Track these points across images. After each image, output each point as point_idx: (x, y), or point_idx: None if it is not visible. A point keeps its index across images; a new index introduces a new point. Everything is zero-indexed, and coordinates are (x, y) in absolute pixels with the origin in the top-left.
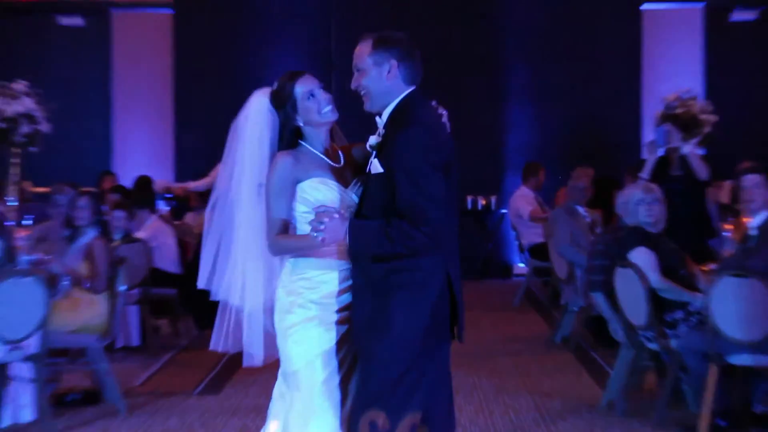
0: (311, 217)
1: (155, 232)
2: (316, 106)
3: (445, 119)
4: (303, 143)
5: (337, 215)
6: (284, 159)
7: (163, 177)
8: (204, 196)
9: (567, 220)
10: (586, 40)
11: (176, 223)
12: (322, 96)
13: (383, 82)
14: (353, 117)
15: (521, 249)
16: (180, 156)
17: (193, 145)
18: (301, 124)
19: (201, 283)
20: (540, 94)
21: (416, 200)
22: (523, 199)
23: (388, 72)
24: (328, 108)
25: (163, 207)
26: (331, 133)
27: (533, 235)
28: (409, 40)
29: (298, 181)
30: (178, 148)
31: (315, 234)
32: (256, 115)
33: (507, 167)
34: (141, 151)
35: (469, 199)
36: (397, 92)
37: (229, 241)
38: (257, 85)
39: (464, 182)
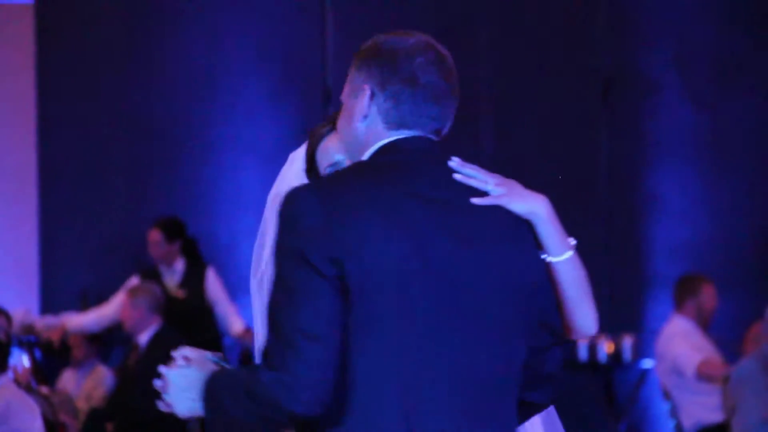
0: None
1: (6, 404)
2: None
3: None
4: None
5: None
6: None
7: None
8: (95, 341)
9: (764, 380)
10: None
11: (43, 389)
12: None
13: (352, 124)
14: None
15: None
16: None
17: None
18: None
19: None
20: (707, 148)
21: (273, 325)
22: (681, 341)
23: (360, 106)
24: None
25: (20, 359)
26: None
27: (703, 407)
28: (416, 46)
29: None
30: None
31: None
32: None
33: (653, 283)
34: None
35: (582, 343)
36: (372, 142)
37: None
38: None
39: None
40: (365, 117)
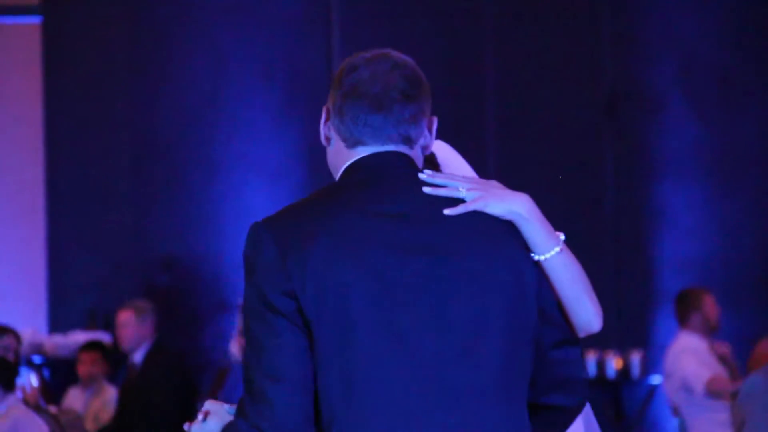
0: None
1: (14, 424)
2: None
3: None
4: None
5: None
6: None
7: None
8: (106, 358)
9: None
10: None
11: (52, 408)
12: None
13: (327, 150)
14: None
15: None
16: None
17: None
18: None
19: None
20: (713, 164)
21: (243, 369)
22: (690, 358)
23: (322, 130)
24: None
25: (28, 378)
26: None
27: (712, 424)
28: (363, 59)
29: None
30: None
31: None
32: None
33: (660, 299)
34: None
35: (591, 359)
36: (341, 165)
37: None
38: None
39: None
40: (329, 140)
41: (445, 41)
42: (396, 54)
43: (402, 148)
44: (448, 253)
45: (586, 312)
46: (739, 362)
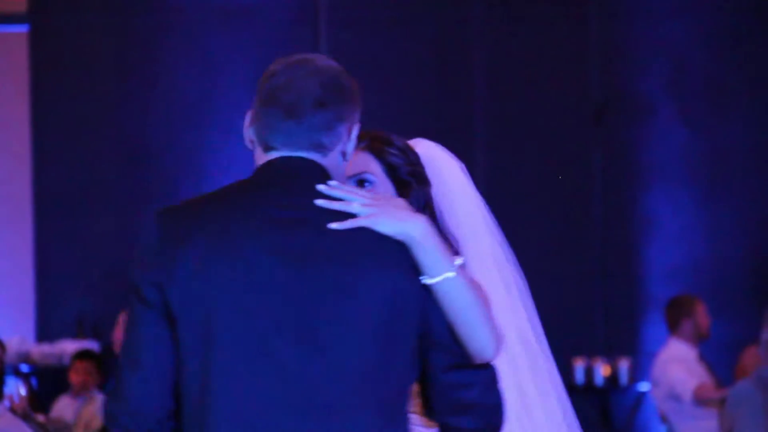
0: None
1: None
2: None
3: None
4: None
5: None
6: None
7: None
8: (93, 369)
9: (761, 402)
10: None
11: (40, 417)
12: None
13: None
14: None
15: None
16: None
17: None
18: None
19: None
20: (700, 171)
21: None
22: (678, 366)
23: (245, 133)
24: None
25: (16, 387)
26: None
27: (700, 430)
28: (282, 65)
29: None
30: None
31: None
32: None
33: (648, 306)
34: None
35: (579, 366)
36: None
37: None
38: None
39: (567, 335)
40: (252, 143)
41: (434, 46)
42: (320, 60)
43: (313, 155)
44: (323, 264)
45: (478, 340)
46: (725, 369)
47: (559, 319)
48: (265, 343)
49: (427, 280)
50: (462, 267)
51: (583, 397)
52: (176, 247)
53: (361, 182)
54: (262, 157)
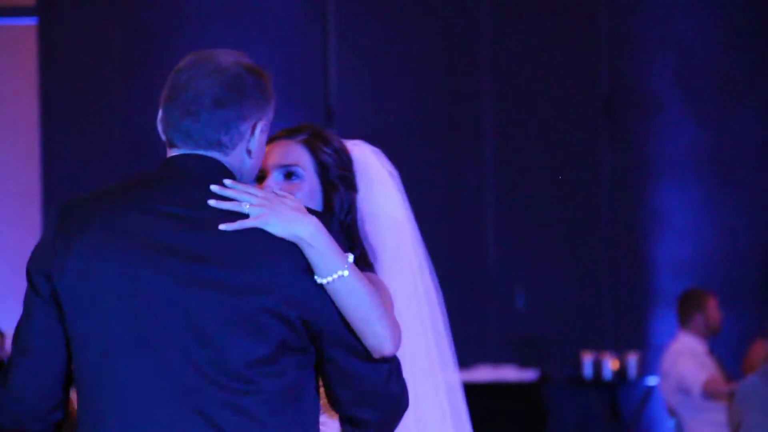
0: None
1: None
2: None
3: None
4: None
5: None
6: None
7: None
8: None
9: None
10: None
11: None
12: None
13: None
14: None
15: None
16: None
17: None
18: None
19: None
20: (709, 164)
21: None
22: (687, 359)
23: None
24: None
25: None
26: None
27: (708, 425)
28: (184, 62)
29: None
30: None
31: None
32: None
33: (657, 300)
34: None
35: (587, 360)
36: None
37: None
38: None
39: (576, 329)
40: (162, 139)
41: (442, 41)
42: (225, 56)
43: (212, 153)
44: (206, 262)
45: (374, 335)
46: (733, 363)
47: (567, 313)
48: (146, 339)
49: (320, 280)
50: (353, 264)
51: (592, 391)
52: (69, 240)
53: (289, 174)
54: (168, 152)
